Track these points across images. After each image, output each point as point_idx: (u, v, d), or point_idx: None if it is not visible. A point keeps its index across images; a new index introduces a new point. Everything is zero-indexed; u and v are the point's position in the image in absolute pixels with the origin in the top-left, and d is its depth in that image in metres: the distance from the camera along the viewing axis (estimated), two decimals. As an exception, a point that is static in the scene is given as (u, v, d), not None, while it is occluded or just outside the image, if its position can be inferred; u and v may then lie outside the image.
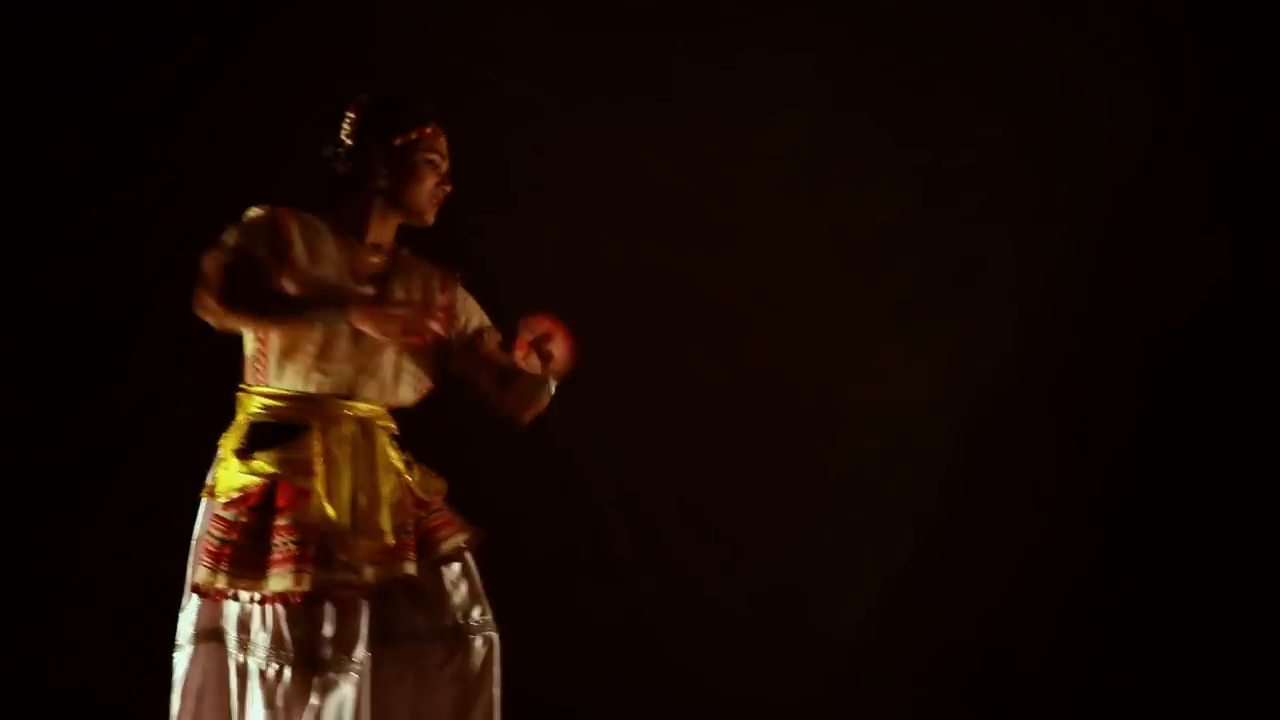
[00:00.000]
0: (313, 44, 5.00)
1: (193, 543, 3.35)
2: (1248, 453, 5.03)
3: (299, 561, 3.18)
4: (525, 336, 3.28)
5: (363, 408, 3.35)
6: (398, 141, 3.40)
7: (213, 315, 3.27)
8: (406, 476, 3.40)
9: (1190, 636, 5.03)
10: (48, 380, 4.86)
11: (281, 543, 3.20)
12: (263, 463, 3.28)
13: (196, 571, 3.25)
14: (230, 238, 3.31)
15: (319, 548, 3.21)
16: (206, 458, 4.96)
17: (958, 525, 5.11)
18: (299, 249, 3.31)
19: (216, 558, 3.22)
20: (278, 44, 4.98)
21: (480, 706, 3.34)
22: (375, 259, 3.43)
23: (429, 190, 3.43)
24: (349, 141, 3.40)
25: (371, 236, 3.43)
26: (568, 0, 5.07)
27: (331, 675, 3.19)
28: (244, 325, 3.31)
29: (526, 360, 3.28)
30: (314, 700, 3.18)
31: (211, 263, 3.28)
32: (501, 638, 3.45)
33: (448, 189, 3.47)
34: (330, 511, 3.21)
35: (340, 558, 3.22)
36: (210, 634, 3.25)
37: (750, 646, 5.09)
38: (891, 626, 5.06)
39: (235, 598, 3.20)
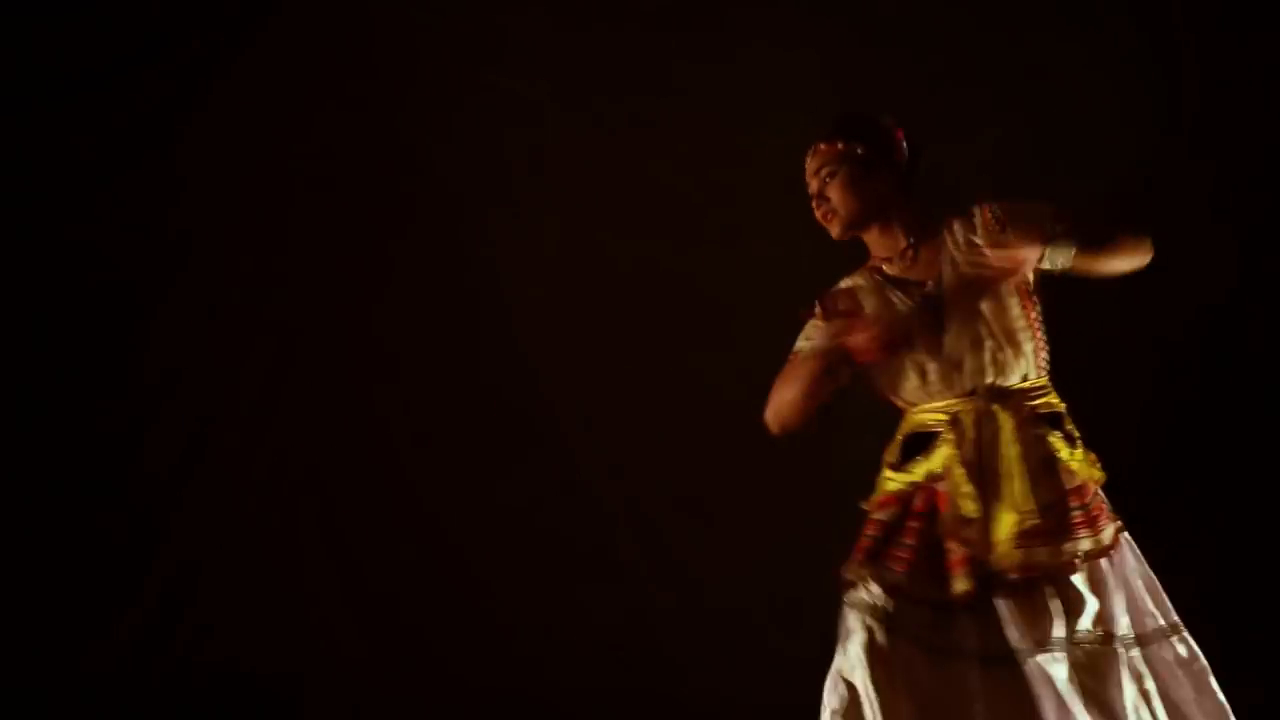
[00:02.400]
0: (313, 44, 4.99)
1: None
2: (1249, 452, 5.03)
3: (963, 564, 3.19)
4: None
5: (987, 399, 3.31)
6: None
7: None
8: (1058, 453, 3.30)
9: (1190, 636, 5.03)
10: (47, 378, 4.86)
11: (944, 548, 3.23)
12: (908, 471, 3.35)
13: (862, 573, 3.27)
14: None
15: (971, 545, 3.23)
16: (214, 451, 4.99)
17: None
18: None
19: (891, 561, 3.26)
20: (278, 44, 4.98)
21: None
22: (906, 274, 3.41)
23: (818, 217, 3.51)
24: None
25: (877, 263, 3.46)
26: (568, 0, 5.07)
27: (997, 670, 3.18)
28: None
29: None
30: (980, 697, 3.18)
31: None
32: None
33: (820, 207, 3.50)
34: (968, 508, 3.21)
35: (983, 554, 3.20)
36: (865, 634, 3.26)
37: (750, 646, 5.08)
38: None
39: (917, 602, 3.22)
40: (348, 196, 5.02)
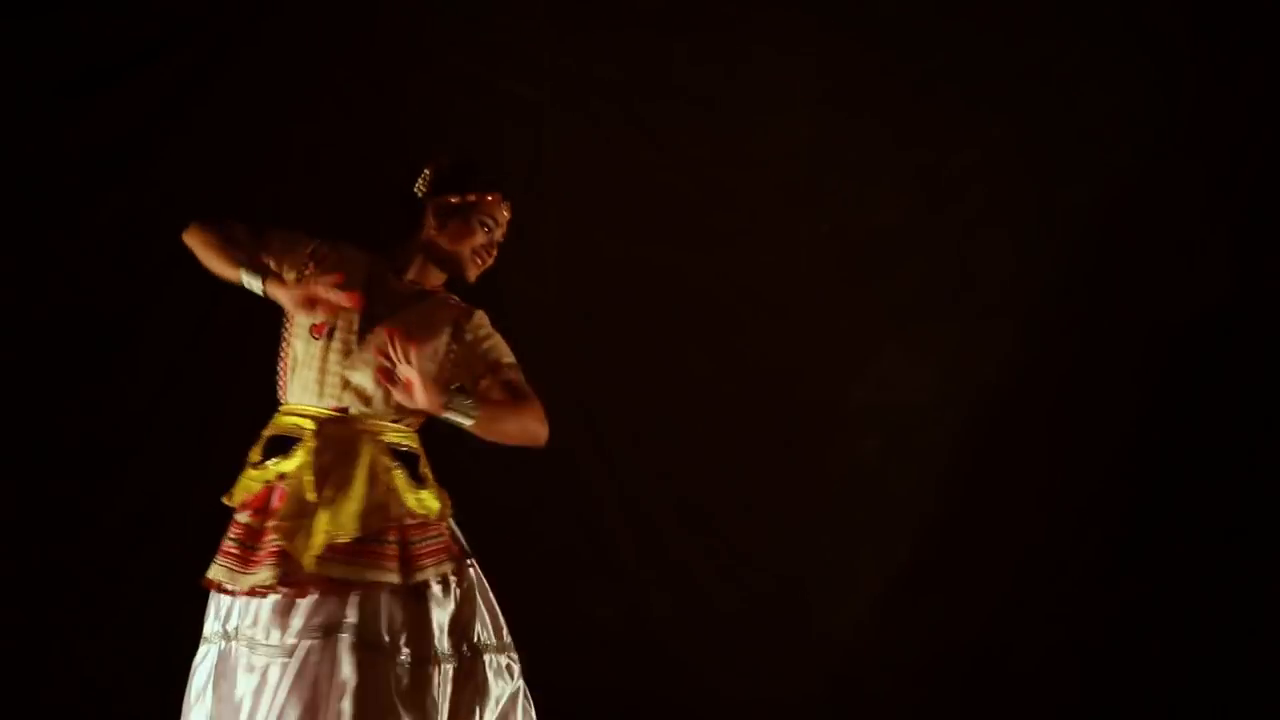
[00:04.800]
0: (312, 45, 5.00)
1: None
2: (1247, 453, 5.03)
3: (279, 558, 3.36)
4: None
5: (358, 422, 3.48)
6: (454, 199, 3.55)
7: (190, 235, 3.58)
8: (400, 489, 3.47)
9: (1189, 636, 5.03)
10: (48, 379, 4.86)
11: (269, 541, 3.40)
12: (266, 471, 3.48)
13: (211, 570, 3.47)
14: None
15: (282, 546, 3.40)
16: (209, 455, 4.98)
17: (957, 525, 5.11)
18: (326, 252, 3.56)
19: (224, 556, 3.44)
20: (278, 45, 4.98)
21: None
22: (404, 290, 3.58)
23: (470, 250, 3.58)
24: (414, 191, 3.60)
25: (409, 276, 3.60)
26: (568, 1, 5.07)
27: (257, 658, 3.39)
28: (200, 248, 3.60)
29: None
30: (240, 681, 3.38)
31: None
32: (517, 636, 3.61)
33: (491, 255, 3.61)
34: (291, 514, 3.38)
35: (296, 553, 3.37)
36: (219, 634, 3.47)
37: (750, 646, 5.09)
38: (891, 626, 5.07)
39: (230, 593, 3.43)
40: (347, 197, 5.02)
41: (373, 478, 3.43)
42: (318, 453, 3.41)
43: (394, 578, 3.38)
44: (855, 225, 5.15)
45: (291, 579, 3.35)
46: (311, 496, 3.37)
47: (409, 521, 3.45)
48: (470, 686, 3.47)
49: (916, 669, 5.08)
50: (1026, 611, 5.07)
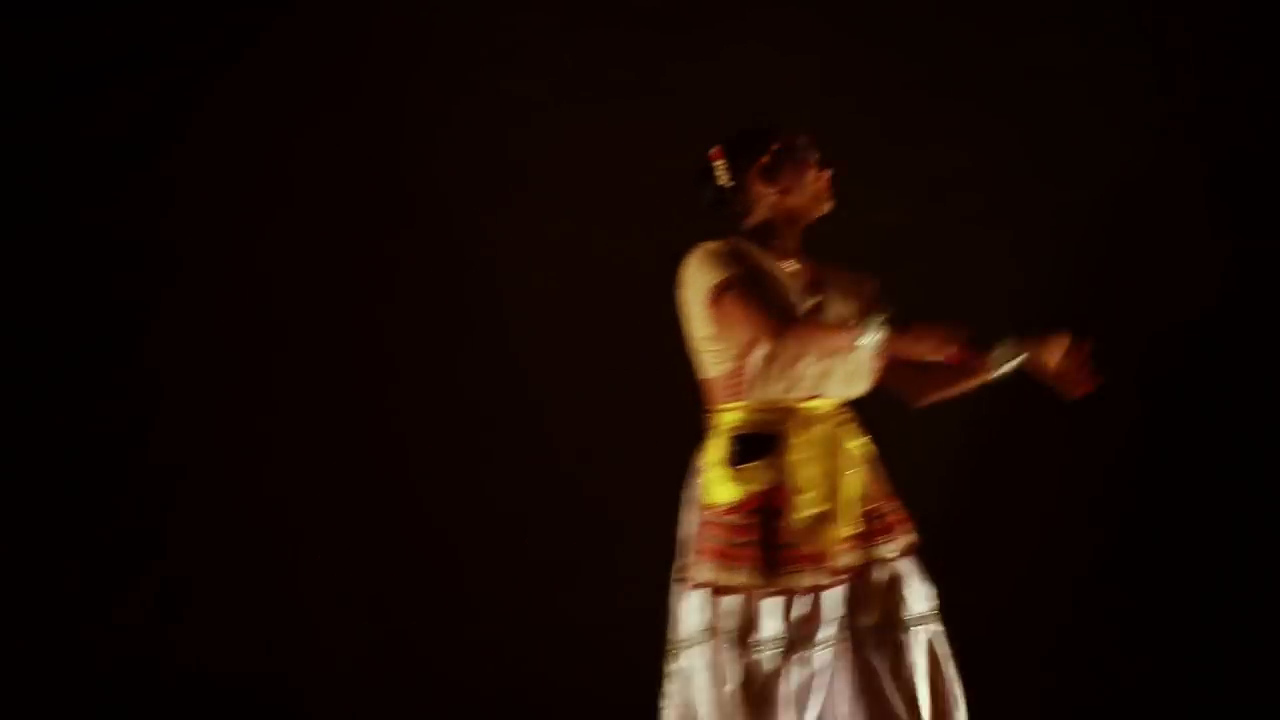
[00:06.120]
0: (312, 45, 5.01)
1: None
2: (1247, 452, 5.04)
3: (807, 560, 3.40)
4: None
5: (826, 405, 3.50)
6: (765, 159, 3.54)
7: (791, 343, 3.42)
8: (868, 464, 3.54)
9: (1190, 637, 5.04)
10: (50, 379, 4.88)
11: (789, 544, 3.40)
12: (754, 471, 3.46)
13: (714, 573, 3.46)
14: (724, 272, 3.48)
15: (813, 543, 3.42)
16: (212, 452, 5.00)
17: (958, 525, 5.11)
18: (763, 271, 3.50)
19: (735, 560, 3.44)
20: (278, 45, 5.00)
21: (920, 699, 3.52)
22: (801, 270, 3.58)
23: (811, 181, 3.56)
24: (730, 181, 3.57)
25: (787, 251, 3.58)
26: (566, 1, 5.09)
27: (805, 654, 3.40)
28: (807, 345, 3.43)
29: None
30: (791, 679, 3.38)
31: (744, 304, 3.46)
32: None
33: (828, 172, 3.57)
34: (811, 510, 3.41)
35: (822, 550, 3.41)
36: (710, 632, 3.46)
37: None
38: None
39: (762, 595, 3.41)
40: (347, 197, 5.04)
41: (856, 462, 3.50)
42: (806, 446, 3.45)
43: (889, 550, 3.51)
44: (854, 225, 5.14)
45: (839, 571, 3.41)
46: (811, 509, 3.41)
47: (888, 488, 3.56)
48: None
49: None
50: (1027, 610, 5.08)
